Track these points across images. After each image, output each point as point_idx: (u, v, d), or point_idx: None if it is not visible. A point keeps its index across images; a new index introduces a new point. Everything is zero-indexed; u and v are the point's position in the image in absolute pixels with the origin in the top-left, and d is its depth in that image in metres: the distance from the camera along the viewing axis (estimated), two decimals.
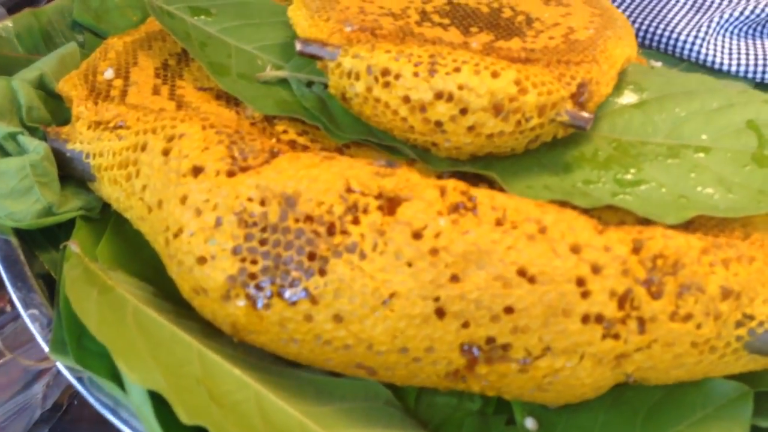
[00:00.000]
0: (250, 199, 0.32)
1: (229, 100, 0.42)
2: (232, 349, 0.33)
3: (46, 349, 0.33)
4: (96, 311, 0.31)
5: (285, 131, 0.40)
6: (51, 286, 0.37)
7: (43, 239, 0.38)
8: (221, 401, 0.29)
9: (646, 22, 0.54)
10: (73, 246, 0.35)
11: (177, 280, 0.34)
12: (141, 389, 0.28)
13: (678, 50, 0.53)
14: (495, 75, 0.36)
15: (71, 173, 0.39)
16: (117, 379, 0.31)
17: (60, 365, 0.32)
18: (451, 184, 0.32)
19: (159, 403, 0.28)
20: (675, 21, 0.53)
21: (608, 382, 0.32)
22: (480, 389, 0.32)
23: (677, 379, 0.32)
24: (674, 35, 0.52)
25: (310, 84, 0.42)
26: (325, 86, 0.41)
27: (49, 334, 0.33)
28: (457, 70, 0.36)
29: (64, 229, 0.38)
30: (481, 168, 0.38)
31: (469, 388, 0.33)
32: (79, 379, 0.33)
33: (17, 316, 0.44)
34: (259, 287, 0.32)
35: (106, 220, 0.39)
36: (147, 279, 0.37)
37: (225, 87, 0.41)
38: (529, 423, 0.34)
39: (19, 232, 0.37)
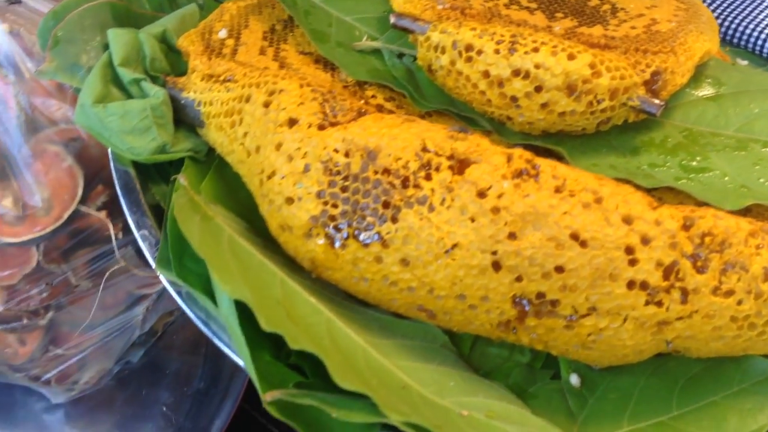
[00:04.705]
0: (336, 151, 0.36)
1: (327, 65, 0.46)
2: (310, 282, 0.38)
3: (153, 264, 0.38)
4: (198, 233, 0.35)
5: (374, 96, 0.44)
6: (159, 215, 0.42)
7: (155, 174, 0.43)
8: (296, 321, 0.34)
9: (736, 21, 0.55)
10: (182, 179, 0.40)
11: (266, 218, 0.38)
12: (229, 302, 0.33)
13: (766, 50, 0.54)
14: (571, 57, 0.38)
15: (183, 119, 0.44)
16: (210, 295, 0.36)
17: (163, 279, 0.37)
18: (518, 152, 0.35)
19: (243, 317, 0.33)
20: (765, 21, 0.53)
21: (649, 347, 0.34)
22: (529, 342, 0.35)
23: (717, 353, 0.34)
24: (762, 35, 0.53)
25: (400, 56, 0.46)
26: (414, 58, 0.45)
27: (156, 253, 0.38)
28: (535, 50, 0.39)
29: (174, 167, 0.43)
30: (551, 143, 0.41)
31: (519, 340, 0.36)
32: (179, 293, 0.37)
33: (126, 244, 0.50)
34: (337, 228, 0.36)
35: (210, 162, 0.44)
36: (241, 216, 0.41)
37: (324, 52, 0.45)
38: (574, 379, 0.36)
39: (136, 165, 0.43)
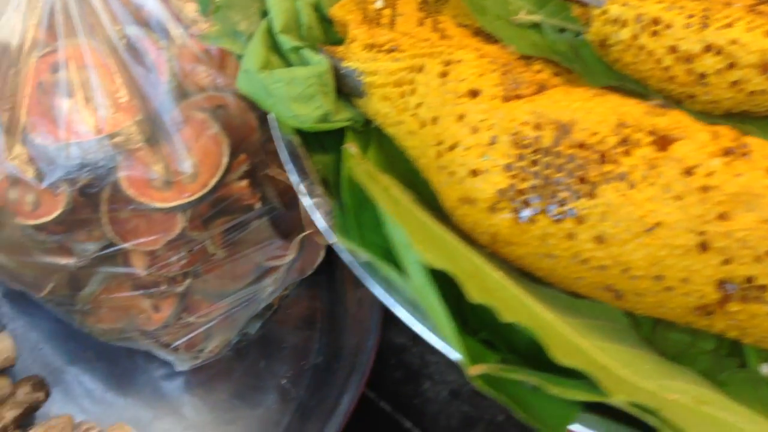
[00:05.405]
0: (524, 123, 0.35)
1: (487, 38, 0.45)
2: (486, 257, 0.37)
3: (325, 232, 0.37)
4: (387, 202, 0.35)
5: (540, 71, 0.43)
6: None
7: (315, 143, 0.43)
8: (492, 294, 0.33)
9: None
10: (352, 148, 0.39)
11: (444, 190, 0.37)
12: (424, 273, 0.32)
13: None
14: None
15: (342, 88, 0.43)
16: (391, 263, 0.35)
17: (340, 248, 0.37)
18: (724, 129, 0.34)
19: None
20: None
21: None
22: (723, 328, 0.34)
23: None
24: None
25: (561, 30, 0.45)
26: (576, 34, 0.44)
27: (330, 221, 0.38)
28: (729, 25, 0.37)
29: (331, 137, 0.43)
30: (733, 123, 0.39)
31: (711, 326, 0.34)
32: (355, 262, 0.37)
33: (261, 215, 0.50)
34: (526, 203, 0.34)
35: (366, 133, 0.43)
36: None
37: (484, 24, 0.44)
38: (765, 369, 0.35)
39: (298, 133, 0.42)
